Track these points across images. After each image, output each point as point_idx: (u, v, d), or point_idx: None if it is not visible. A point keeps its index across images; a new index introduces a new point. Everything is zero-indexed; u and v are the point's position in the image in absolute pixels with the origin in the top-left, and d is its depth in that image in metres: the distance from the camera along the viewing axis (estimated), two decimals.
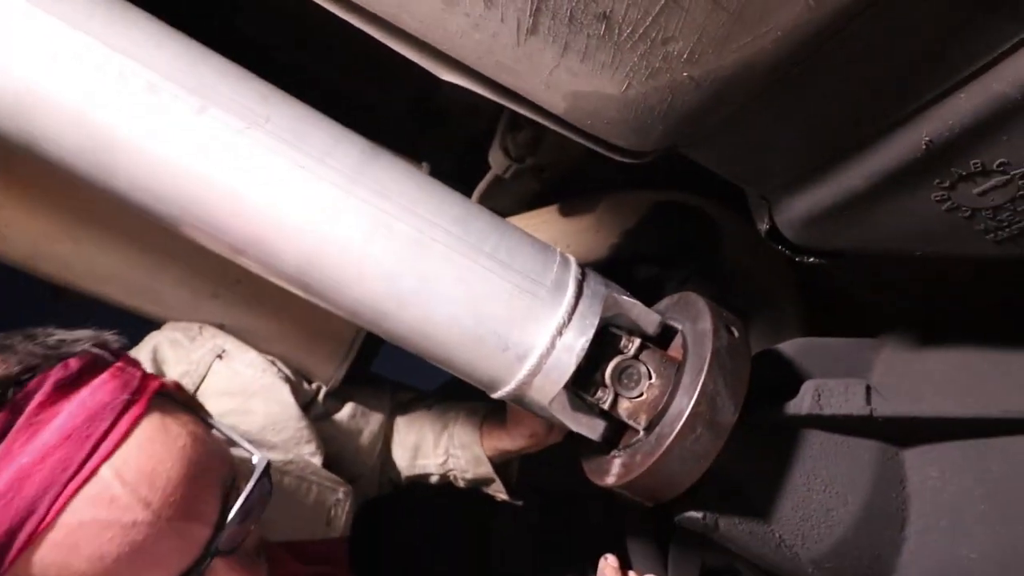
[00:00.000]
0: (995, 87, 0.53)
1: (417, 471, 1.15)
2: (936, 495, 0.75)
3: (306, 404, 1.00)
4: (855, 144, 0.62)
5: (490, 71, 0.61)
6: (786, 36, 0.52)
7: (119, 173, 0.66)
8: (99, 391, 0.62)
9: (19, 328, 0.66)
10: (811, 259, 0.76)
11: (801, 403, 0.76)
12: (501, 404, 0.98)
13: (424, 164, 1.12)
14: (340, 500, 0.97)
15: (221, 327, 0.97)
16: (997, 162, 0.57)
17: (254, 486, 0.68)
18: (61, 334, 0.65)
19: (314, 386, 1.05)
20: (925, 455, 0.76)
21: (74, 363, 0.61)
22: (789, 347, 0.85)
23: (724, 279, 1.09)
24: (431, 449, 1.13)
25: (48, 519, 0.56)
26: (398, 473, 1.17)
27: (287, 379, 0.98)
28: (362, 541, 1.15)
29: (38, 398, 0.58)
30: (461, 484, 1.14)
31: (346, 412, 1.09)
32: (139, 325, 0.96)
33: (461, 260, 0.69)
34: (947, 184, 0.60)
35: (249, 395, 0.94)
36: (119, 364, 0.66)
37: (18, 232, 0.90)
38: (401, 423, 1.17)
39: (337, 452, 1.04)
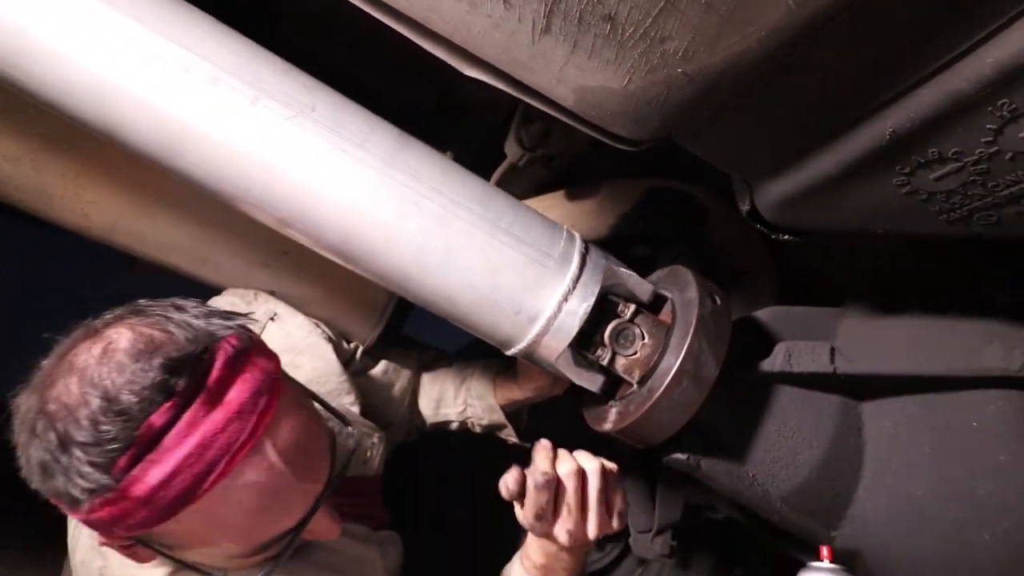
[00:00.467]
0: (952, 84, 0.52)
1: (440, 419, 1.17)
2: (889, 441, 0.76)
3: (346, 361, 1.02)
4: (828, 134, 0.61)
5: (508, 67, 0.61)
6: (769, 36, 0.52)
7: (185, 156, 0.67)
8: (256, 369, 0.63)
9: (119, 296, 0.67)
10: (786, 237, 0.76)
11: (774, 362, 0.76)
12: (512, 360, 0.99)
13: (448, 152, 1.12)
14: (375, 443, 0.99)
15: (272, 293, 0.98)
16: (952, 151, 0.57)
17: (349, 457, 0.73)
18: (200, 308, 0.66)
19: (352, 345, 1.06)
20: (880, 407, 0.77)
21: (235, 341, 0.63)
22: (764, 314, 0.86)
23: (709, 255, 1.09)
24: (452, 400, 1.15)
25: (219, 478, 0.59)
26: (423, 421, 1.18)
27: (329, 339, 0.99)
28: (393, 481, 1.17)
29: (214, 374, 0.60)
30: (477, 430, 1.15)
31: (380, 368, 1.11)
32: (201, 292, 0.97)
33: (481, 234, 0.69)
34: (907, 170, 0.60)
35: (297, 352, 0.95)
36: (260, 344, 0.68)
37: (99, 210, 0.91)
38: (426, 378, 1.19)
39: (371, 403, 1.06)
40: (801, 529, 0.79)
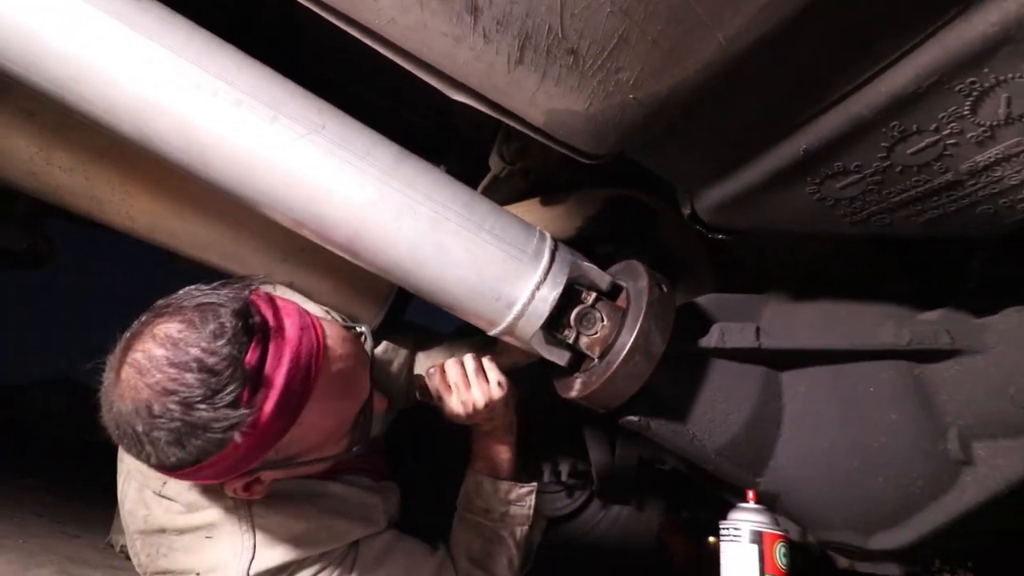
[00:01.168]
0: (854, 109, 0.53)
1: None
2: (802, 404, 0.77)
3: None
4: (753, 151, 0.62)
5: (488, 93, 0.61)
6: (704, 68, 0.52)
7: (212, 167, 0.65)
8: (286, 303, 0.68)
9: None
10: (721, 236, 0.77)
11: (710, 339, 0.77)
12: (494, 339, 0.99)
13: (442, 165, 1.10)
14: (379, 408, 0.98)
15: (291, 285, 0.96)
16: (854, 164, 0.58)
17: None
18: (209, 285, 0.66)
19: (359, 330, 1.05)
20: (796, 376, 0.78)
21: (261, 292, 0.67)
22: (703, 300, 0.86)
23: (659, 252, 1.09)
24: None
25: (316, 375, 0.64)
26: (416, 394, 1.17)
27: (339, 323, 0.98)
28: (396, 441, 1.16)
29: (266, 312, 0.63)
30: None
31: (381, 348, 1.09)
32: None
33: (467, 234, 0.69)
34: (818, 181, 0.61)
35: None
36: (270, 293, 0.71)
37: (142, 214, 0.89)
38: (421, 356, 1.17)
39: (375, 376, 1.05)
40: (732, 477, 0.80)
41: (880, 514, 0.74)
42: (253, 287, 0.65)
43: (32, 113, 0.82)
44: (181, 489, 0.73)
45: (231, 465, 0.61)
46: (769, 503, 0.78)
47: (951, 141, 0.53)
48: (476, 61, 0.56)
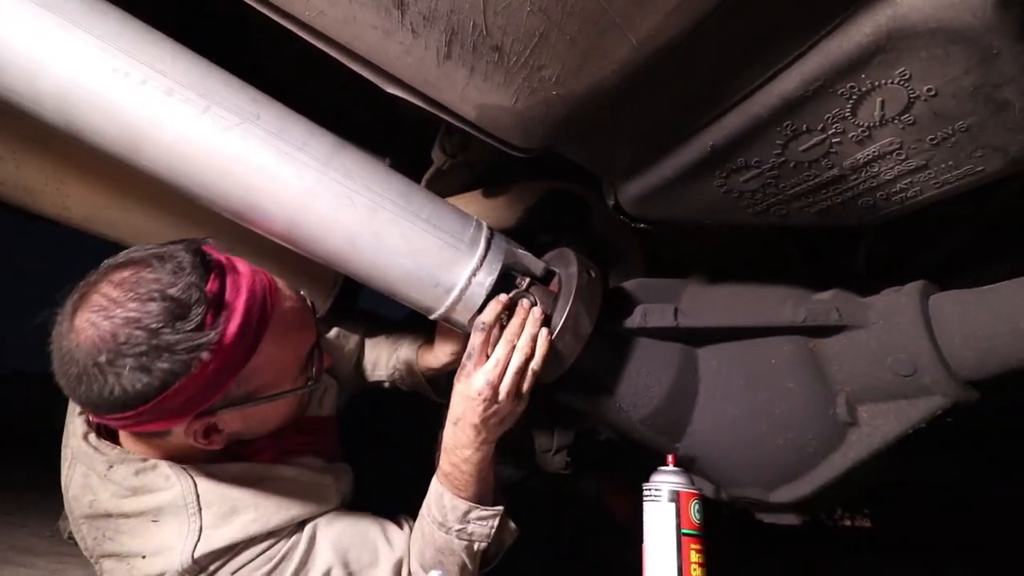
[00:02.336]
0: (752, 110, 0.55)
1: (375, 379, 1.12)
2: (715, 376, 0.79)
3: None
4: (666, 146, 0.63)
5: (420, 86, 0.59)
6: (620, 68, 0.52)
7: (145, 156, 0.61)
8: (238, 261, 0.68)
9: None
10: (643, 225, 0.78)
11: (634, 320, 0.78)
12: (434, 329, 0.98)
13: (387, 159, 1.07)
14: (328, 388, 0.95)
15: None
16: (754, 160, 0.60)
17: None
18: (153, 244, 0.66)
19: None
20: (710, 351, 0.80)
21: (211, 243, 0.67)
22: (629, 284, 0.87)
23: (594, 240, 1.10)
24: (384, 365, 1.10)
25: (273, 307, 0.66)
26: (365, 380, 1.13)
27: None
28: (353, 426, 1.14)
29: (217, 256, 0.65)
30: (404, 389, 1.11)
31: (332, 333, 1.06)
32: None
33: (404, 223, 0.67)
34: (724, 175, 0.63)
35: None
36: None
37: (77, 203, 0.82)
38: (368, 344, 1.13)
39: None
40: (655, 443, 0.82)
41: (780, 471, 0.77)
42: (204, 242, 0.66)
43: None
44: (127, 473, 0.69)
45: (196, 394, 0.60)
46: (687, 466, 0.80)
47: (835, 140, 0.56)
48: (406, 55, 0.55)
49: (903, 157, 0.57)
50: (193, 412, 0.63)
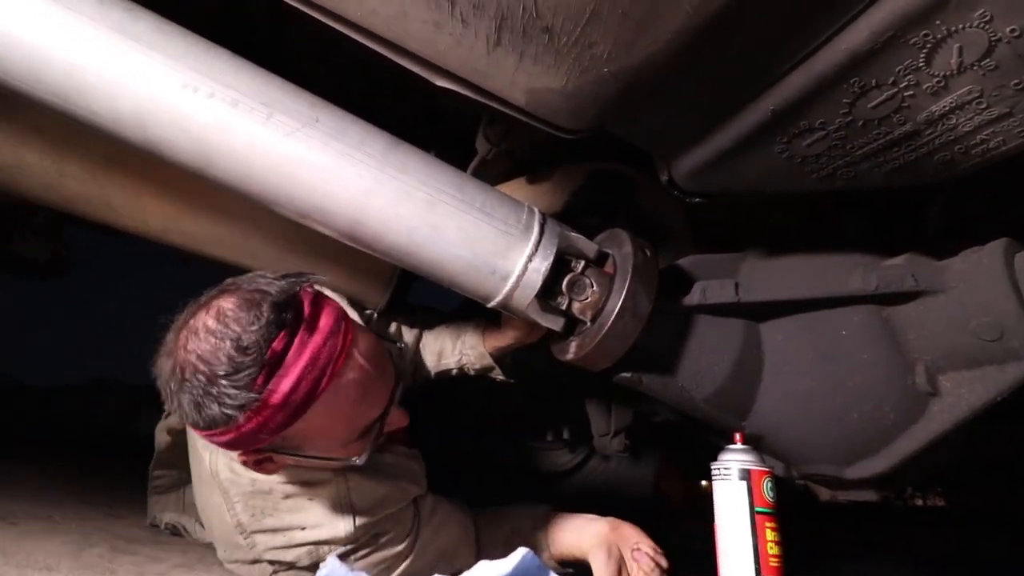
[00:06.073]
0: (816, 68, 0.52)
1: (442, 368, 1.15)
2: (781, 351, 0.77)
3: (366, 323, 1.01)
4: (723, 116, 0.61)
5: (470, 76, 0.60)
6: (674, 38, 0.51)
7: (217, 166, 0.64)
8: (331, 305, 0.69)
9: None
10: (697, 200, 0.76)
11: (692, 297, 0.77)
12: (497, 315, 0.99)
13: (432, 151, 1.09)
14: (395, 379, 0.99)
15: (336, 289, 0.96)
16: (818, 122, 0.57)
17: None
18: (275, 274, 0.68)
19: (368, 312, 1.05)
20: (774, 325, 0.78)
21: (309, 288, 0.69)
22: (685, 262, 0.86)
23: (642, 219, 1.08)
24: (450, 352, 1.13)
25: (331, 379, 0.65)
26: (429, 372, 1.16)
27: (352, 307, 0.98)
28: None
29: (307, 309, 0.66)
30: (472, 373, 1.14)
31: (391, 329, 1.10)
32: None
33: (460, 214, 0.68)
34: (786, 140, 0.60)
35: None
36: (323, 292, 0.73)
37: (154, 217, 0.88)
38: (429, 337, 1.16)
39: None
40: (720, 423, 0.81)
41: (856, 446, 0.75)
42: (305, 282, 0.68)
43: (41, 128, 0.81)
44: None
45: (237, 439, 0.64)
46: (755, 444, 0.79)
47: (908, 93, 0.53)
48: (457, 46, 0.55)
49: (984, 106, 0.53)
50: (240, 449, 0.67)
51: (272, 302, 0.63)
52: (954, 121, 0.55)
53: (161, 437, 1.06)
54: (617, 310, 0.70)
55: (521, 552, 0.66)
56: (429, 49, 0.57)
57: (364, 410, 0.71)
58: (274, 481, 0.78)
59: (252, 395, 0.60)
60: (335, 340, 0.66)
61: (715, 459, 0.77)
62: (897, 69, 0.51)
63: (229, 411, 0.60)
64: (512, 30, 0.52)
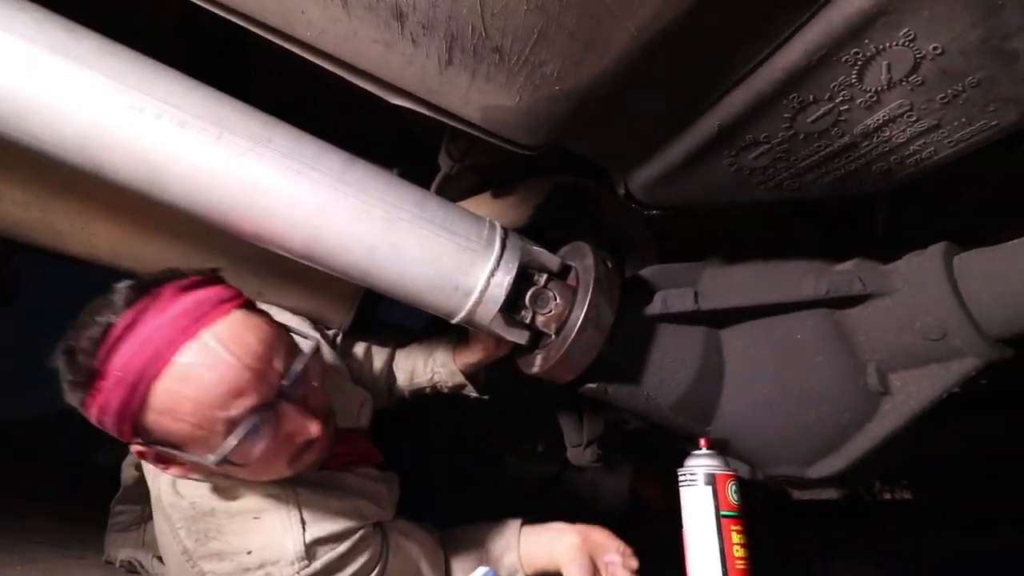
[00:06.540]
0: (756, 85, 0.55)
1: (415, 387, 1.14)
2: (741, 357, 0.79)
3: (330, 343, 0.99)
4: (673, 131, 0.63)
5: (424, 94, 0.60)
6: (620, 57, 0.53)
7: (165, 189, 0.62)
8: (208, 292, 0.67)
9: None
10: (654, 212, 0.78)
11: (654, 307, 0.78)
12: (466, 332, 0.98)
13: (395, 169, 1.08)
14: (364, 403, 0.97)
15: (260, 295, 0.94)
16: (763, 136, 0.59)
17: (308, 357, 0.70)
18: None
19: (331, 333, 1.03)
20: (733, 332, 0.80)
21: (192, 276, 0.67)
22: (647, 272, 0.87)
23: (605, 232, 1.10)
24: (422, 371, 1.12)
25: (166, 358, 0.61)
26: (402, 391, 1.15)
27: (312, 326, 0.97)
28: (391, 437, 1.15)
29: (167, 291, 0.64)
30: (445, 391, 1.13)
31: (361, 348, 1.08)
32: None
33: (420, 231, 0.68)
34: (733, 153, 0.62)
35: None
36: (224, 283, 0.70)
37: (103, 241, 0.84)
38: (400, 356, 1.15)
39: (357, 376, 1.04)
40: (685, 429, 0.82)
41: (816, 446, 0.77)
42: (199, 273, 0.68)
43: None
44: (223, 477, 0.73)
45: (99, 419, 0.64)
46: (720, 448, 0.80)
47: (844, 107, 0.55)
48: (409, 65, 0.55)
49: (914, 118, 0.56)
50: (117, 434, 0.65)
51: (130, 285, 0.64)
52: (888, 133, 0.58)
53: (128, 472, 1.02)
54: (580, 322, 0.71)
55: (481, 571, 0.65)
56: (382, 68, 0.57)
57: (222, 395, 0.63)
58: (215, 500, 0.74)
59: (89, 369, 0.61)
60: (180, 322, 0.62)
61: (681, 465, 0.78)
62: (832, 85, 0.53)
63: (75, 385, 0.62)
64: (463, 50, 0.52)
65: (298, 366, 0.68)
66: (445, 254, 0.69)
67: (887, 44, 0.49)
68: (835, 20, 0.48)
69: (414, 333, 1.24)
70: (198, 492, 0.74)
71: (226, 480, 0.74)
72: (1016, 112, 0.53)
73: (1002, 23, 0.45)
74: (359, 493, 0.83)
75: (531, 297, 0.73)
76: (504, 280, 0.70)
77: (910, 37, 0.48)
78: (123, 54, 0.63)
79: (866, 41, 0.49)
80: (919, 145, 0.59)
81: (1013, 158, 0.84)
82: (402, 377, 1.14)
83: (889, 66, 0.51)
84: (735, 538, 0.70)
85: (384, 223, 0.66)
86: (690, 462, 0.75)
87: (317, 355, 0.73)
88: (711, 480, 0.72)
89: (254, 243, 0.69)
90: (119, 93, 0.60)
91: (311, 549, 0.73)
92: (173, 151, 0.61)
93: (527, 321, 0.73)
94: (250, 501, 0.74)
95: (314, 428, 0.69)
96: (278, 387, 0.67)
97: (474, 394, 1.12)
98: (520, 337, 0.75)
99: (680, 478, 0.74)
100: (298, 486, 0.76)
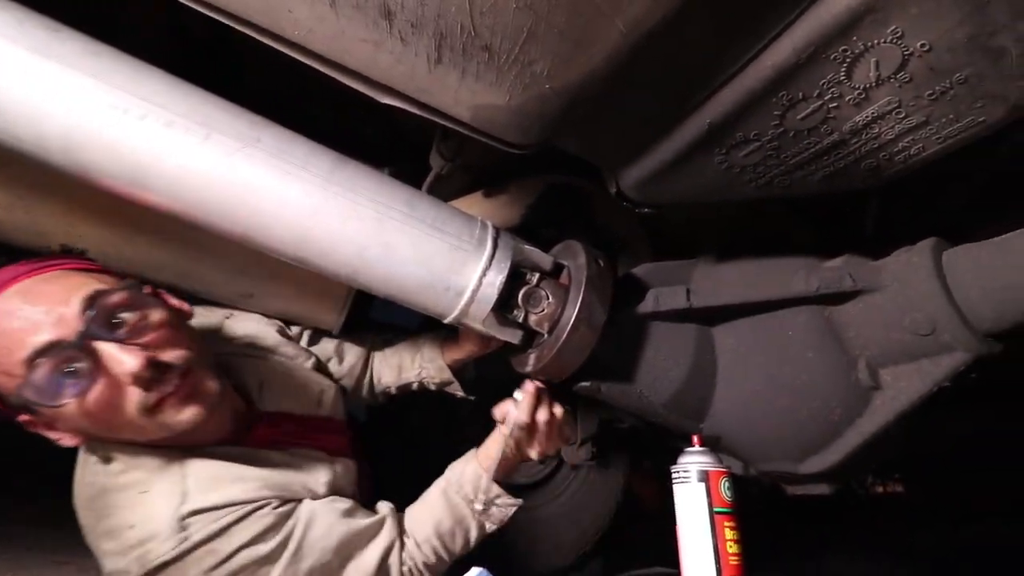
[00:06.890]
0: (746, 83, 0.54)
1: (402, 382, 1.12)
2: (733, 353, 0.79)
3: (296, 337, 1.00)
4: (663, 130, 0.63)
5: (414, 93, 0.59)
6: (610, 57, 0.52)
7: (152, 189, 0.61)
8: (45, 260, 0.67)
9: None
10: (646, 210, 0.77)
11: (647, 305, 0.78)
12: (454, 328, 0.97)
13: (386, 169, 1.07)
14: (325, 389, 0.96)
15: (251, 296, 0.93)
16: (752, 133, 0.59)
17: (118, 292, 0.66)
18: None
19: (297, 330, 1.02)
20: (725, 329, 0.80)
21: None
22: (639, 270, 0.87)
23: (598, 231, 1.10)
24: (409, 366, 1.11)
25: None
26: (389, 387, 1.13)
27: (274, 324, 0.97)
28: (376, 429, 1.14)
29: (21, 267, 0.65)
30: (432, 387, 1.12)
31: (330, 343, 1.06)
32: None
33: (411, 230, 0.67)
34: (724, 151, 0.62)
35: (235, 320, 0.94)
36: (79, 258, 0.68)
37: (90, 242, 0.83)
38: (388, 351, 1.14)
39: (322, 366, 1.02)
40: (679, 426, 0.82)
41: (807, 442, 0.77)
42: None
43: None
44: (121, 453, 0.71)
45: None
46: (713, 445, 0.80)
47: (832, 105, 0.56)
48: (398, 64, 0.55)
49: (902, 115, 0.56)
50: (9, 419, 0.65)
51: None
52: (877, 130, 0.58)
53: None
54: (573, 321, 0.71)
55: (476, 572, 0.65)
56: (371, 68, 0.57)
57: (14, 343, 0.61)
58: (108, 477, 0.71)
59: None
60: None
61: (675, 463, 0.78)
62: (821, 82, 0.53)
63: None
64: (452, 48, 0.52)
65: (104, 300, 0.64)
66: (436, 254, 0.68)
67: (875, 41, 0.50)
68: (824, 18, 0.48)
69: (407, 332, 1.23)
70: (96, 470, 0.72)
71: (115, 450, 0.71)
72: (1003, 108, 0.54)
73: (989, 20, 0.46)
74: (281, 467, 0.79)
75: (523, 296, 0.73)
76: (496, 279, 0.70)
77: (898, 34, 0.49)
78: (107, 54, 0.62)
79: (854, 38, 0.49)
80: (907, 142, 0.59)
81: (999, 155, 0.85)
82: (389, 372, 1.14)
83: (877, 63, 0.51)
84: (728, 534, 0.70)
85: (375, 223, 0.66)
86: (683, 459, 0.75)
87: (154, 300, 0.70)
88: (704, 477, 0.72)
89: (241, 243, 0.68)
90: (103, 93, 0.59)
91: (185, 521, 0.68)
92: (159, 152, 0.60)
93: (520, 320, 0.73)
94: (138, 474, 0.71)
95: (131, 363, 0.63)
96: (83, 324, 0.62)
97: (460, 394, 1.11)
98: (513, 336, 0.75)
99: (674, 475, 0.75)
100: (193, 457, 0.73)
